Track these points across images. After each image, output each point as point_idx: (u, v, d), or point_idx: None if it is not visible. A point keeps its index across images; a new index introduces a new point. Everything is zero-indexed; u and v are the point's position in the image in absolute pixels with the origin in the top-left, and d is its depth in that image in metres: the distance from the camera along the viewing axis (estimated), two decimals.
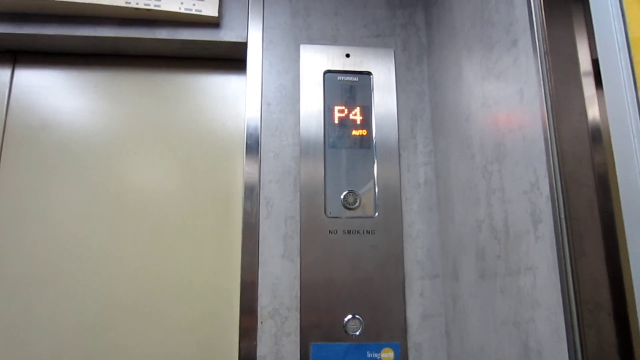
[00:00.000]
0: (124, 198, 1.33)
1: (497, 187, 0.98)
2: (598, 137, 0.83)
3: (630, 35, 0.64)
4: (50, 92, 1.38)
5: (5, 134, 1.33)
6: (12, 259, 1.26)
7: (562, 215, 0.76)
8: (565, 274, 0.74)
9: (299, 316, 1.19)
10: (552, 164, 0.79)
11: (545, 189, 0.81)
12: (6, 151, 1.32)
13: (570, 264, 0.74)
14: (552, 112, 0.81)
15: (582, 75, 0.85)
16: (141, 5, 1.26)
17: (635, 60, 0.63)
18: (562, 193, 0.77)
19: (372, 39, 1.39)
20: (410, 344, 1.20)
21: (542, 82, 0.83)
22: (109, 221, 1.31)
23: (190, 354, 1.25)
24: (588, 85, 0.85)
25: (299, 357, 1.16)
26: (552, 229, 0.79)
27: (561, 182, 0.77)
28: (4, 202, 1.29)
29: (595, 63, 0.86)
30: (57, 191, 1.31)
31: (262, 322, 1.18)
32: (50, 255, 1.27)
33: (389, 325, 1.19)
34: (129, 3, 1.25)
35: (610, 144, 0.81)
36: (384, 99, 1.34)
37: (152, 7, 1.26)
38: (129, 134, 1.37)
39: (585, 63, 0.86)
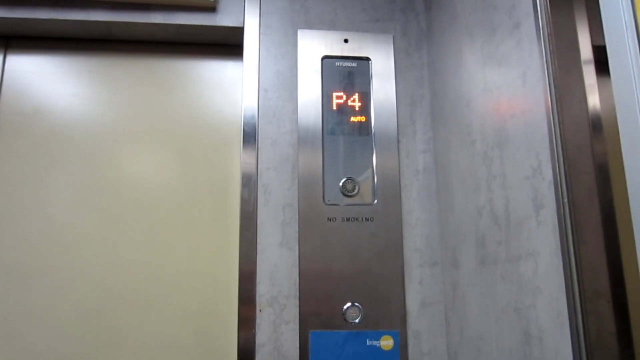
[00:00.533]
0: (119, 186, 1.31)
1: (498, 173, 0.97)
2: (598, 126, 0.82)
3: (638, 20, 0.63)
4: (43, 78, 1.36)
5: None
6: (6, 249, 1.24)
7: (565, 200, 0.75)
8: (569, 259, 0.74)
9: (297, 304, 1.18)
10: (555, 149, 0.78)
11: (548, 174, 0.80)
12: None
13: (573, 249, 0.73)
14: (555, 95, 0.79)
15: (582, 63, 0.84)
16: None
17: None
18: (566, 178, 0.76)
19: (370, 24, 1.37)
20: (409, 332, 1.20)
21: (545, 66, 0.81)
22: (104, 210, 1.29)
23: (189, 343, 1.24)
24: (589, 73, 0.84)
25: (298, 345, 1.15)
26: (555, 214, 0.78)
27: (564, 167, 0.76)
28: None
29: (595, 50, 0.84)
30: (51, 179, 1.29)
31: (260, 310, 1.17)
32: (45, 245, 1.25)
33: (388, 313, 1.19)
34: None
35: (611, 134, 0.80)
36: (383, 85, 1.32)
37: None
38: (123, 120, 1.35)
39: (586, 50, 0.85)
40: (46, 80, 1.35)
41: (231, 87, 1.41)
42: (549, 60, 0.81)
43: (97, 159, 1.32)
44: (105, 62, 1.38)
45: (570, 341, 0.73)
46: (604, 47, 0.81)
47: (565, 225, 0.75)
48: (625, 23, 0.63)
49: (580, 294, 0.72)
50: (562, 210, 0.76)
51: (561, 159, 0.77)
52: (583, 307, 0.71)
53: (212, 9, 1.32)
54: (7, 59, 1.35)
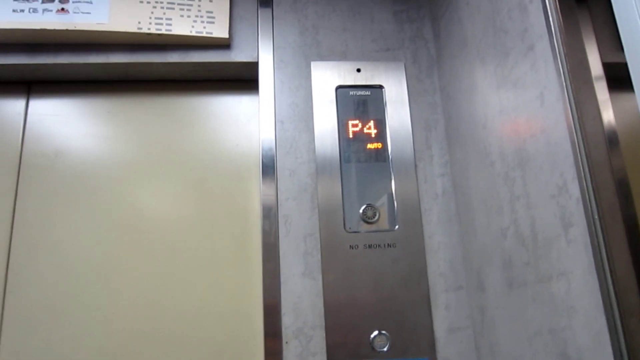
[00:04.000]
0: (141, 223, 1.32)
1: (521, 194, 0.97)
2: (615, 141, 0.83)
3: None
4: (64, 120, 1.39)
5: (21, 163, 1.33)
6: (30, 289, 1.25)
7: (596, 217, 0.75)
8: (605, 277, 0.73)
9: (324, 335, 1.16)
10: (581, 166, 0.78)
11: (575, 192, 0.80)
12: (23, 180, 1.32)
13: (609, 266, 0.73)
14: (577, 113, 0.80)
15: (594, 80, 0.85)
16: (153, 30, 1.27)
17: None
18: (594, 195, 0.76)
19: (381, 53, 1.40)
20: (439, 359, 1.17)
21: (564, 86, 0.82)
22: (127, 247, 1.29)
23: None
24: (601, 90, 0.85)
25: None
26: (586, 231, 0.77)
27: (592, 183, 0.76)
28: (21, 231, 1.29)
29: (605, 67, 0.86)
30: (73, 218, 1.31)
31: (287, 342, 1.15)
32: (68, 284, 1.26)
33: (416, 340, 1.17)
34: (141, 29, 1.27)
35: (627, 148, 0.80)
36: (397, 111, 1.34)
37: (163, 31, 1.28)
38: (142, 158, 1.37)
39: (596, 67, 0.86)
40: (67, 122, 1.38)
41: (247, 121, 1.43)
42: (567, 79, 0.82)
43: (118, 196, 1.33)
44: (123, 102, 1.42)
45: None
46: (615, 64, 0.83)
47: (598, 242, 0.74)
48: None
49: (620, 312, 0.71)
50: (593, 227, 0.75)
51: (587, 176, 0.77)
52: (624, 325, 0.70)
53: (226, 46, 1.35)
54: (30, 104, 1.39)
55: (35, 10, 1.25)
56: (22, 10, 1.24)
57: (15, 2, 1.26)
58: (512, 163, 1.01)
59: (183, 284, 1.28)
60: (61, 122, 1.38)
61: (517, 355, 0.99)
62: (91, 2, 1.27)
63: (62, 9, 1.26)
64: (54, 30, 1.25)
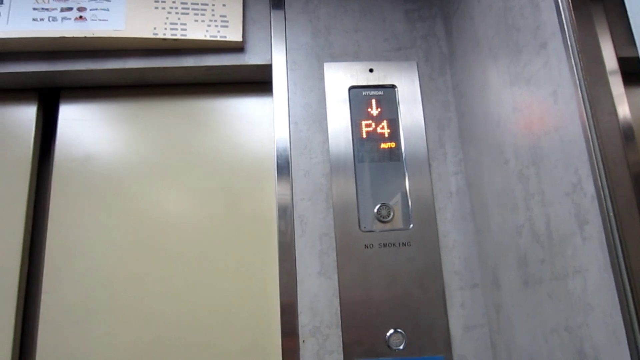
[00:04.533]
0: (166, 224, 1.35)
1: (535, 191, 0.97)
2: (630, 136, 0.82)
3: None
4: (92, 125, 1.43)
5: (53, 167, 1.38)
6: (63, 290, 1.29)
7: (612, 214, 0.75)
8: (620, 274, 0.73)
9: (340, 333, 1.18)
10: (595, 163, 0.78)
11: (590, 189, 0.80)
12: (55, 184, 1.37)
13: (624, 263, 0.72)
14: (590, 110, 0.80)
15: (609, 75, 0.85)
16: (168, 36, 1.30)
17: None
18: (609, 192, 0.76)
19: (393, 53, 1.40)
20: (455, 357, 1.18)
21: (577, 83, 0.82)
22: (151, 248, 1.33)
23: None
24: (616, 84, 0.84)
25: None
26: (601, 229, 0.77)
27: (607, 181, 0.76)
28: (55, 233, 1.33)
29: (620, 61, 0.85)
30: (103, 220, 1.35)
31: (303, 341, 1.17)
32: (99, 284, 1.30)
33: (432, 338, 1.18)
34: (157, 34, 1.29)
35: None
36: (410, 110, 1.34)
37: (178, 36, 1.30)
38: (166, 161, 1.40)
39: (611, 62, 0.85)
40: (95, 127, 1.43)
41: (262, 122, 1.45)
42: (581, 77, 0.82)
43: (145, 198, 1.37)
44: (146, 105, 1.45)
45: (630, 358, 0.71)
46: (630, 58, 0.82)
47: (614, 239, 0.74)
48: None
49: (636, 309, 0.71)
50: (608, 224, 0.75)
51: (602, 173, 0.77)
52: None
53: (240, 49, 1.37)
54: (60, 109, 1.43)
55: (54, 19, 1.28)
56: (42, 19, 1.28)
57: (35, 11, 1.30)
58: (526, 161, 1.01)
59: (205, 284, 1.31)
60: (89, 127, 1.42)
61: (534, 353, 0.99)
62: (108, 10, 1.30)
63: (80, 17, 1.29)
64: (73, 37, 1.28)
